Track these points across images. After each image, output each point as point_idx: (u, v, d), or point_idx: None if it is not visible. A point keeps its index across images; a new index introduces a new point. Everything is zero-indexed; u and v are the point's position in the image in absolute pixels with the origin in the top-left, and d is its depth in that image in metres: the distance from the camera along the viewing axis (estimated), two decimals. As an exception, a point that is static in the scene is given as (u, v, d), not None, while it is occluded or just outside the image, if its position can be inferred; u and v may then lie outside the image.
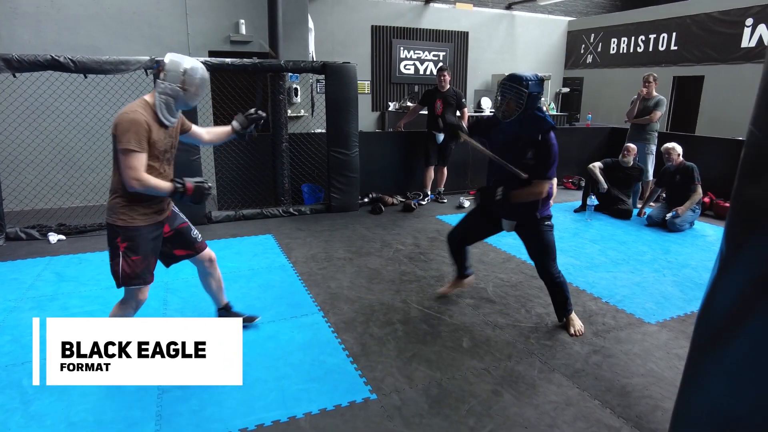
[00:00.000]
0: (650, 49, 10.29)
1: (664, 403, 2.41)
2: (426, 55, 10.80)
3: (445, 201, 6.54)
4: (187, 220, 2.79)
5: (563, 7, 12.28)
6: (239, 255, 4.43)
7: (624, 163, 5.94)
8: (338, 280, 3.89)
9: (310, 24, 7.19)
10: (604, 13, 12.57)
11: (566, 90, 12.24)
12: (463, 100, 6.28)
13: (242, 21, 6.53)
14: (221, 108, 6.22)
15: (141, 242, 2.43)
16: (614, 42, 11.10)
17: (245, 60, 5.25)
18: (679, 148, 5.50)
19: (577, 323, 3.14)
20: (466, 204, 6.31)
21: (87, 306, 3.41)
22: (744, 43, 8.55)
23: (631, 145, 6.00)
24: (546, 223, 3.08)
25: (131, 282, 2.44)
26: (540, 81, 2.86)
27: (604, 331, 3.14)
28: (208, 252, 2.85)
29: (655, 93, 6.12)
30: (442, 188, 6.59)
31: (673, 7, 9.83)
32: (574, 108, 11.95)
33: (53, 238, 4.81)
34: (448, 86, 6.11)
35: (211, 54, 6.42)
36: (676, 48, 9.77)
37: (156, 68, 2.53)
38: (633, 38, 10.63)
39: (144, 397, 2.38)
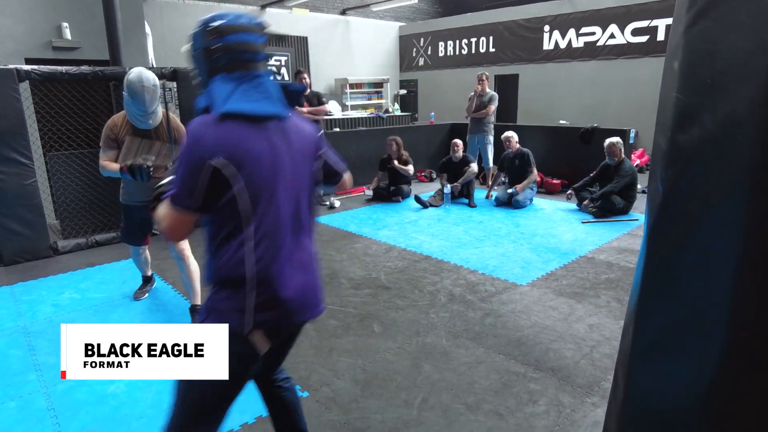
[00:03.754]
0: (473, 51, 11.61)
1: (552, 346, 2.84)
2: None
3: (327, 203, 6.50)
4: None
5: (393, 12, 13.16)
6: (105, 284, 3.97)
7: (455, 158, 6.64)
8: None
9: (147, 29, 6.66)
10: (429, 19, 13.78)
11: (404, 92, 13.15)
12: (323, 98, 6.39)
13: (65, 24, 5.78)
14: (50, 124, 5.44)
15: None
16: (442, 45, 12.27)
17: (83, 68, 4.67)
18: (516, 137, 6.36)
19: None
20: (337, 204, 6.47)
21: None
22: (545, 46, 10.17)
23: (457, 141, 6.71)
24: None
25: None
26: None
27: (488, 297, 3.55)
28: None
29: (488, 89, 6.97)
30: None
31: (486, 14, 11.23)
32: (414, 108, 12.91)
33: None
34: (309, 89, 6.20)
35: (29, 61, 5.56)
36: (494, 50, 11.18)
37: None
38: (457, 42, 11.88)
39: None
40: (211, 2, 9.63)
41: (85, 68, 4.67)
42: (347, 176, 1.69)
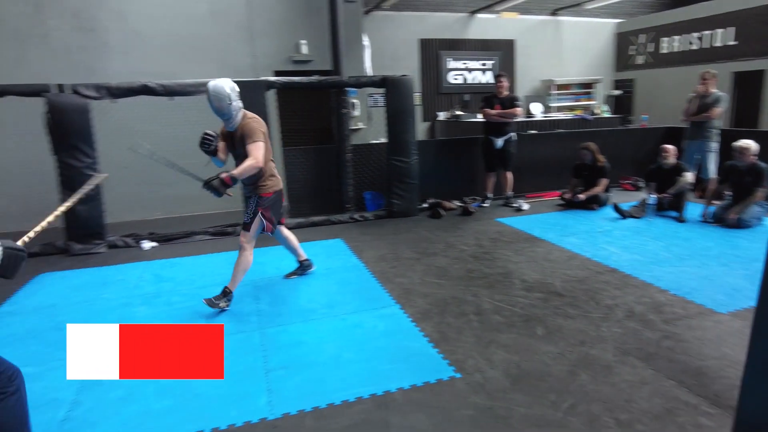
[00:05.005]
0: (705, 45, 10.09)
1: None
2: (474, 65, 11.01)
3: (516, 205, 6.51)
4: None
5: (609, 9, 12.21)
6: (314, 257, 4.74)
7: (665, 166, 5.91)
8: (409, 277, 4.14)
9: (366, 41, 7.57)
10: (654, 12, 12.40)
11: (618, 92, 12.12)
12: (517, 102, 6.39)
13: (303, 41, 6.98)
14: (287, 123, 6.67)
15: None
16: (665, 41, 10.94)
17: (312, 78, 5.64)
18: (755, 148, 5.30)
19: None
20: (525, 207, 6.44)
21: (187, 302, 3.80)
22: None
23: (668, 146, 5.94)
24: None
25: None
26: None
27: (674, 319, 3.23)
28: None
29: (713, 90, 6.07)
30: (510, 192, 6.64)
31: (731, 1, 9.62)
32: (627, 110, 11.81)
33: (146, 245, 5.32)
34: (506, 92, 6.30)
35: (276, 74, 6.89)
36: (735, 43, 9.54)
37: None
38: (686, 36, 10.46)
39: (252, 375, 2.71)
40: (424, 12, 10.34)
41: (313, 78, 5.62)
42: None
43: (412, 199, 6.24)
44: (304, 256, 4.23)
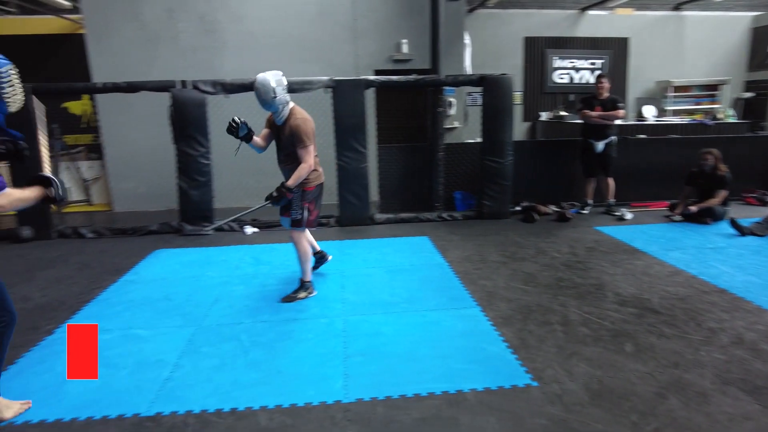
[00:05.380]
0: None
1: None
2: (582, 63, 10.46)
3: (618, 213, 6.11)
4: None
5: (746, 0, 10.94)
6: (400, 252, 4.86)
7: None
8: (493, 280, 4.08)
9: (467, 39, 7.52)
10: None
11: (749, 95, 10.83)
12: (620, 103, 5.99)
13: (404, 41, 7.09)
14: (383, 121, 6.83)
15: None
16: (815, 37, 9.58)
17: (409, 77, 5.73)
18: None
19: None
20: (628, 216, 6.02)
21: (280, 285, 4.07)
22: None
23: None
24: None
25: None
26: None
27: (793, 352, 2.87)
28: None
29: None
30: (612, 200, 6.26)
31: None
32: (760, 115, 10.53)
33: (248, 230, 5.75)
34: (607, 94, 5.95)
35: (376, 72, 7.07)
36: None
37: None
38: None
39: (332, 359, 2.85)
40: (531, 9, 10.01)
41: (411, 77, 5.71)
42: None
43: (504, 201, 6.10)
44: (317, 248, 4.24)
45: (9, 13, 9.25)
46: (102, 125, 7.16)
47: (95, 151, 7.79)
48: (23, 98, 2.34)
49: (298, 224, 3.69)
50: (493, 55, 9.93)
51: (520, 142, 6.85)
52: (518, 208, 6.28)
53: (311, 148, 3.54)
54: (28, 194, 2.21)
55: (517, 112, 10.22)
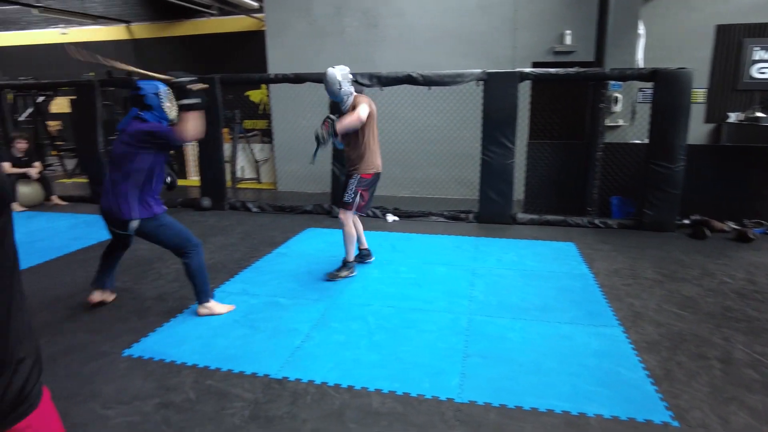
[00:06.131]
0: None
1: None
2: (794, 56, 8.68)
3: None
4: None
5: None
6: (539, 257, 4.60)
7: None
8: (643, 299, 3.64)
9: (641, 29, 6.75)
10: None
11: None
12: None
13: (568, 32, 6.62)
14: (537, 116, 6.50)
15: None
16: None
17: (569, 69, 5.34)
18: None
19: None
20: (835, 243, 4.89)
21: (410, 272, 4.15)
22: None
23: None
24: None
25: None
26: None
27: None
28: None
29: None
30: None
31: None
32: None
33: (390, 218, 5.96)
34: None
35: (534, 65, 6.73)
36: None
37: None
38: None
39: (451, 356, 2.82)
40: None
41: (571, 69, 5.31)
42: None
43: (670, 212, 5.39)
44: (365, 245, 4.40)
45: (212, 15, 10.78)
46: (273, 112, 7.99)
47: (267, 135, 8.75)
48: (177, 113, 3.09)
49: (347, 206, 3.94)
50: (672, 47, 8.73)
51: (696, 146, 5.95)
52: (687, 222, 5.50)
53: (365, 107, 3.76)
54: None
55: (697, 111, 8.90)
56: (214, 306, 3.37)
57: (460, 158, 6.92)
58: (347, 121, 3.71)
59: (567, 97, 6.52)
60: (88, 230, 5.55)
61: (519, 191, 6.25)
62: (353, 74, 5.76)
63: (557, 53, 6.76)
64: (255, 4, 8.83)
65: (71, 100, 7.42)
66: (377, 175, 4.04)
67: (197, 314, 3.35)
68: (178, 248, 3.23)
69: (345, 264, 4.07)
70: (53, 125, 10.25)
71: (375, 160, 3.97)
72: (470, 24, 7.00)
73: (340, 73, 3.80)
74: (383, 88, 5.92)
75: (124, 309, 3.48)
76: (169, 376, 2.64)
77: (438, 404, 2.40)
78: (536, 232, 5.45)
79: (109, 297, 3.55)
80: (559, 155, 5.92)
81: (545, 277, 4.07)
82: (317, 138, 3.71)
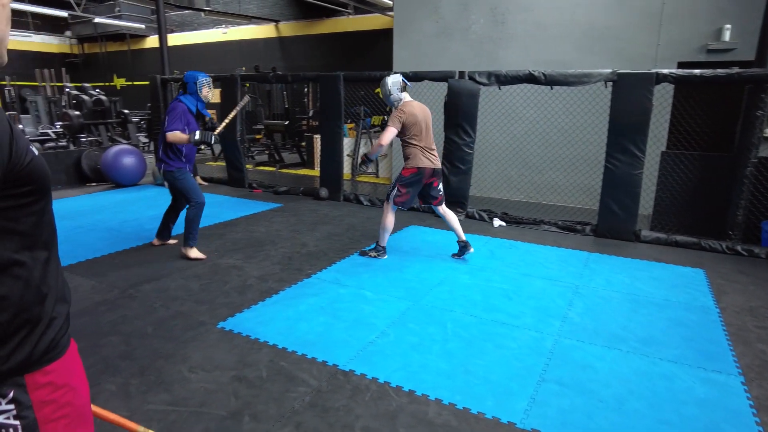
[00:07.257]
0: None
1: None
2: None
3: None
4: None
5: None
6: (656, 281, 4.09)
7: None
8: (780, 347, 3.06)
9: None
10: None
11: None
12: None
13: (728, 26, 5.73)
14: (677, 123, 5.76)
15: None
16: None
17: (718, 70, 4.63)
18: None
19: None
20: None
21: (502, 283, 3.96)
22: None
23: None
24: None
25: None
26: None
27: None
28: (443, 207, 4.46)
29: None
30: None
31: None
32: None
33: (496, 222, 5.75)
34: None
35: (681, 65, 5.96)
36: None
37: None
38: None
39: (525, 377, 2.64)
40: None
41: (720, 71, 4.60)
42: None
43: (842, 247, 4.43)
44: (462, 237, 4.46)
45: (348, 14, 11.32)
46: (395, 109, 8.14)
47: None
48: (212, 95, 4.39)
49: (387, 200, 4.34)
50: None
51: None
52: None
53: (390, 129, 4.11)
54: (183, 137, 4.12)
55: None
56: (190, 251, 4.38)
57: (584, 163, 6.41)
58: (374, 148, 4.26)
59: (718, 103, 5.68)
60: (218, 210, 6.21)
61: (646, 206, 5.62)
62: (471, 72, 5.72)
63: (711, 51, 5.89)
64: (389, 2, 9.05)
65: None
66: (419, 173, 4.22)
67: (180, 253, 4.46)
68: (187, 199, 4.31)
69: (376, 247, 4.53)
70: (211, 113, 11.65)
71: (417, 160, 4.21)
72: (604, 19, 6.41)
73: (391, 81, 4.22)
74: (501, 87, 5.71)
75: (228, 285, 3.84)
76: (251, 352, 2.86)
77: (496, 426, 2.27)
78: (660, 253, 4.85)
79: (169, 241, 4.83)
80: (699, 169, 5.18)
81: (658, 305, 3.61)
82: (359, 167, 4.53)
